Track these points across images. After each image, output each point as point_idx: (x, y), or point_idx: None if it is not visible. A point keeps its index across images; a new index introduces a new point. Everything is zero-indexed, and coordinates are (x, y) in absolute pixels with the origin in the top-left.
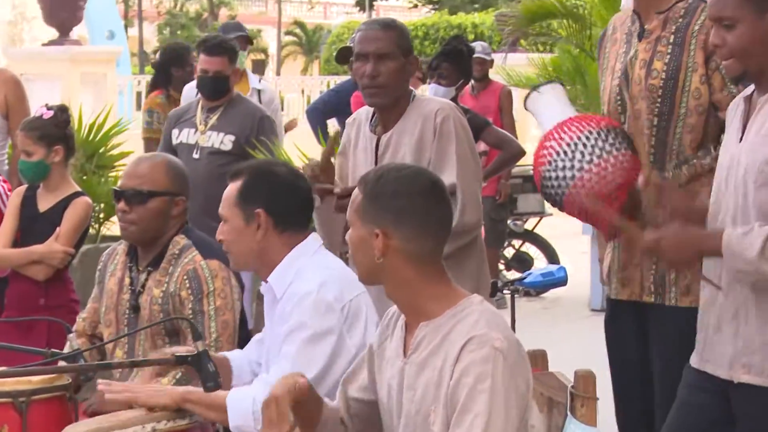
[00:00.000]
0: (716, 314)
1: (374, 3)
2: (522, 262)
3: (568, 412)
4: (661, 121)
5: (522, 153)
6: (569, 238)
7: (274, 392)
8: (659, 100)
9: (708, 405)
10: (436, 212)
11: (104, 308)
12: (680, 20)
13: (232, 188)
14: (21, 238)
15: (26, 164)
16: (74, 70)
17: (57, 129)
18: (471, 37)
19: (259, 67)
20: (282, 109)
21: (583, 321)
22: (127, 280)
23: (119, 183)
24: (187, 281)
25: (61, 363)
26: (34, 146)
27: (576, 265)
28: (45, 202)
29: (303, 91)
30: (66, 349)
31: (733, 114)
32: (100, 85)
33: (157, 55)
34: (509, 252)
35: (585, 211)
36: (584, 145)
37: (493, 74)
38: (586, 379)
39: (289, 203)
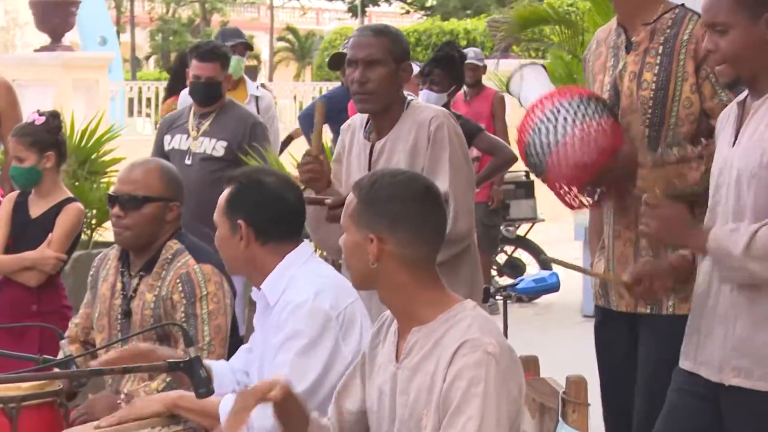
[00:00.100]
0: (706, 317)
1: (366, 9)
2: (514, 268)
3: (560, 418)
4: (652, 131)
5: (514, 159)
6: (561, 244)
7: (245, 390)
8: (650, 111)
9: (697, 410)
10: (430, 217)
11: (97, 314)
12: (668, 31)
13: (223, 196)
14: (13, 245)
15: (18, 170)
16: (66, 76)
17: (49, 135)
18: (463, 43)
19: (252, 73)
20: None
21: (575, 327)
22: (119, 286)
23: (113, 188)
24: (179, 284)
25: (54, 369)
26: (26, 152)
27: (568, 271)
28: (37, 208)
29: (295, 97)
30: (59, 356)
31: (726, 119)
32: (92, 91)
33: (173, 61)
34: (501, 258)
35: (566, 177)
36: (567, 111)
37: (485, 80)
38: (577, 384)
39: (272, 215)
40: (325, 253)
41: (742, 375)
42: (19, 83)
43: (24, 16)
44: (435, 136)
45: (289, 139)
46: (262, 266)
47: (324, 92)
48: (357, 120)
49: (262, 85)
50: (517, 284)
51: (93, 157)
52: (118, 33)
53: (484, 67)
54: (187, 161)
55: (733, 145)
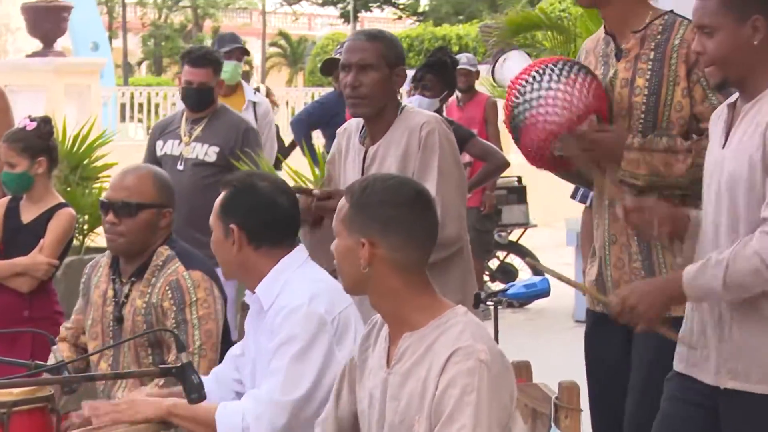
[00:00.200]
0: (700, 320)
1: (359, 15)
2: (506, 273)
3: (552, 424)
4: (645, 136)
5: (506, 164)
6: (553, 249)
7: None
8: (642, 116)
9: (690, 417)
10: (422, 222)
11: (90, 321)
12: (659, 36)
13: (218, 200)
14: (4, 250)
15: (9, 176)
16: (58, 82)
17: (40, 140)
18: (455, 48)
19: (245, 79)
20: None
21: (567, 332)
22: (110, 292)
23: (106, 195)
24: (169, 292)
25: (45, 375)
26: (17, 158)
27: None
28: (28, 214)
29: (287, 103)
30: (50, 361)
31: (717, 120)
32: (84, 97)
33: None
34: (494, 263)
35: (543, 134)
36: (551, 70)
37: (477, 85)
38: (570, 390)
39: (265, 220)
40: None
41: (739, 378)
42: (11, 89)
43: (16, 21)
44: (425, 142)
45: (293, 145)
46: (256, 270)
47: (316, 98)
48: (353, 124)
49: (259, 90)
50: (507, 290)
51: (85, 162)
52: (110, 38)
53: (477, 72)
54: (179, 167)
55: (723, 147)
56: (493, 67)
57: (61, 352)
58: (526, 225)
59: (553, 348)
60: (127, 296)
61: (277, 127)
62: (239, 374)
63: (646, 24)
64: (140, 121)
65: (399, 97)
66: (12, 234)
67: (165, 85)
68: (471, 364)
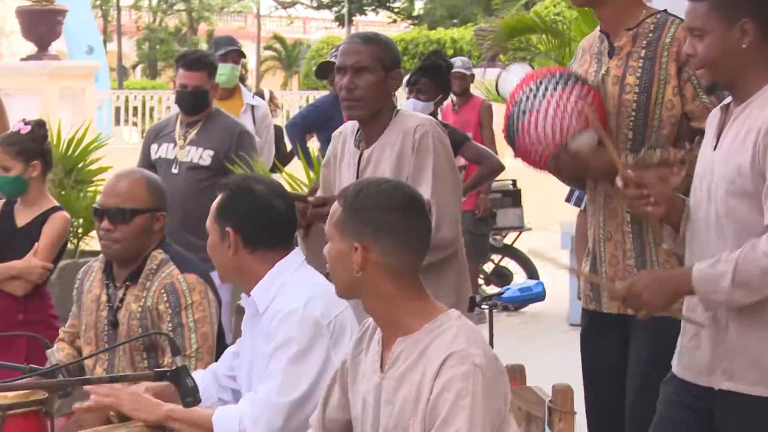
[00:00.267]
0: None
1: (353, 18)
2: (501, 276)
3: (546, 427)
4: (636, 134)
5: (501, 168)
6: (548, 252)
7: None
8: (633, 114)
9: (686, 420)
10: (415, 226)
11: (84, 326)
12: (650, 35)
13: (214, 203)
14: None
15: (4, 179)
16: (53, 85)
17: (34, 144)
18: (450, 52)
19: (240, 81)
20: None
21: (561, 335)
22: (104, 297)
23: (99, 201)
24: (164, 295)
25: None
26: (11, 161)
27: (555, 280)
28: (23, 217)
29: (282, 106)
30: (46, 364)
31: (711, 123)
32: (78, 100)
33: None
34: (488, 267)
35: (539, 137)
36: (548, 81)
37: (472, 89)
38: (563, 393)
39: (262, 223)
40: None
41: (734, 379)
42: (6, 92)
43: (10, 24)
44: (419, 144)
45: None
46: (252, 273)
47: (311, 101)
48: (348, 128)
49: (260, 94)
50: (503, 293)
51: (79, 166)
52: (104, 42)
53: (472, 75)
54: (174, 170)
55: (714, 149)
56: (497, 81)
57: (56, 355)
58: (520, 228)
59: (548, 351)
60: (121, 300)
61: (280, 130)
62: (233, 372)
63: (639, 22)
64: (135, 124)
65: (396, 100)
66: (6, 237)
67: (160, 88)
68: (465, 368)
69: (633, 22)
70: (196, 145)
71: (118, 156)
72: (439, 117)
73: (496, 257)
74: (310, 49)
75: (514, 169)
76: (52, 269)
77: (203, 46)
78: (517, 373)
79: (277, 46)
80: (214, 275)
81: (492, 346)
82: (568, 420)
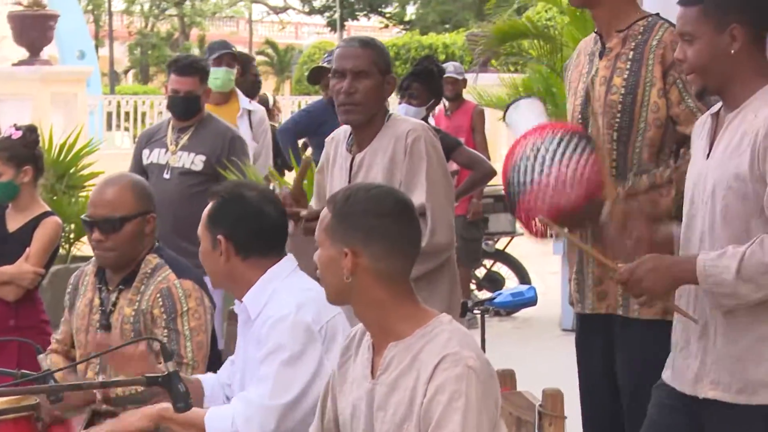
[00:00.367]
0: (685, 329)
1: (345, 24)
2: (493, 281)
3: (537, 431)
4: (621, 135)
5: (493, 173)
6: (540, 258)
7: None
8: (618, 115)
9: (677, 425)
10: (405, 231)
11: (75, 330)
12: (639, 37)
13: (206, 210)
14: None
15: None
16: (45, 90)
17: (26, 149)
18: (442, 57)
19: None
20: None
21: (553, 340)
22: (97, 301)
23: (88, 213)
24: (160, 299)
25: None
26: (3, 167)
27: (547, 285)
28: (14, 223)
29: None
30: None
31: (701, 130)
32: (70, 105)
33: None
34: (480, 272)
35: (534, 210)
36: (546, 149)
37: (464, 94)
38: (554, 397)
39: (253, 230)
40: None
41: (720, 388)
42: None
43: (2, 30)
44: (412, 149)
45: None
46: (244, 280)
47: (303, 106)
48: (341, 132)
49: (264, 99)
50: (494, 298)
51: (71, 171)
52: (96, 47)
53: (464, 80)
54: (166, 175)
55: (707, 158)
56: (505, 113)
57: (47, 360)
58: (512, 233)
59: (540, 356)
60: (114, 304)
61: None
62: (230, 380)
63: (630, 24)
64: (127, 129)
65: (388, 105)
66: None
67: (151, 93)
68: (459, 370)
69: (625, 24)
70: (188, 151)
71: (109, 161)
72: (432, 122)
73: (488, 262)
74: (302, 55)
75: None
76: (44, 274)
77: (195, 52)
78: (507, 377)
79: (269, 51)
80: (208, 280)
81: (484, 351)
82: (558, 424)
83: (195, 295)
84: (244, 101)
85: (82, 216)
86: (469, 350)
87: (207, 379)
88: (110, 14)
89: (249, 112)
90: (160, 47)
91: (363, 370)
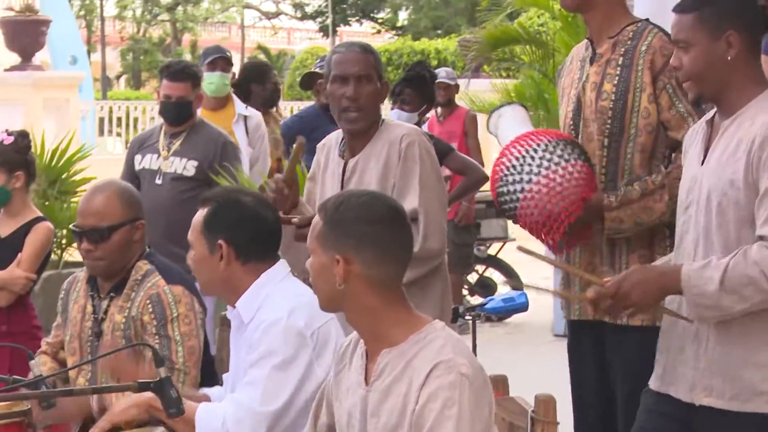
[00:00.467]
0: (678, 336)
1: (337, 29)
2: (485, 287)
3: None
4: (612, 141)
5: (485, 178)
6: (532, 263)
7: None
8: (609, 121)
9: (666, 431)
10: (396, 237)
11: (68, 336)
12: (629, 42)
13: (199, 216)
14: None
15: None
16: (37, 96)
17: (18, 155)
18: (434, 62)
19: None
20: None
21: (545, 346)
22: (89, 308)
23: (76, 223)
24: (150, 305)
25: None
26: None
27: (538, 291)
28: (6, 228)
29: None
30: (29, 376)
31: (695, 137)
32: (62, 111)
33: (238, 74)
34: (473, 277)
35: (536, 224)
36: (532, 158)
37: (457, 99)
38: (546, 403)
39: (252, 235)
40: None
41: (713, 395)
42: None
43: None
44: (406, 154)
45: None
46: (240, 285)
47: (295, 111)
48: (332, 138)
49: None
50: (486, 304)
51: (63, 176)
52: (88, 52)
53: (457, 86)
54: (158, 181)
55: (702, 164)
56: (489, 120)
57: (39, 366)
58: (504, 239)
59: (532, 362)
60: (105, 312)
61: None
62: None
63: (620, 30)
64: (119, 135)
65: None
66: None
67: (144, 99)
68: (452, 377)
69: (615, 29)
70: (180, 156)
71: (101, 167)
72: (425, 128)
73: (480, 268)
74: (294, 60)
75: None
76: (36, 280)
77: (187, 57)
78: (499, 383)
79: (262, 56)
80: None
81: (476, 357)
82: (550, 430)
83: (185, 300)
84: (240, 107)
85: (71, 225)
86: (462, 357)
87: (215, 392)
88: (102, 19)
89: (245, 117)
90: (152, 53)
91: (357, 377)
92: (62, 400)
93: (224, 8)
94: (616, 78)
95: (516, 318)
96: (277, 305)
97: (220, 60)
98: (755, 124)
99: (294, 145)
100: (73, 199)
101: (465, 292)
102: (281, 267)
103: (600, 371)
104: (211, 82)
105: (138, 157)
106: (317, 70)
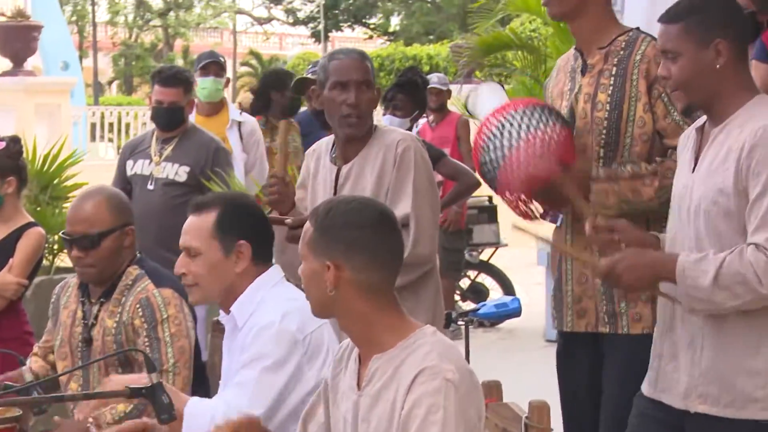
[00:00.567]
0: (672, 343)
1: (329, 34)
2: (478, 293)
3: None
4: (607, 152)
5: (477, 184)
6: (524, 269)
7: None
8: (605, 131)
9: None
10: (386, 243)
11: (59, 342)
12: (621, 52)
13: (205, 220)
14: None
15: None
16: (28, 101)
17: (9, 160)
18: (426, 68)
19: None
20: None
21: (538, 351)
22: (79, 313)
23: (66, 230)
24: (140, 309)
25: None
26: None
27: (531, 296)
28: None
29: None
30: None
31: (685, 144)
32: (54, 116)
33: (258, 81)
34: (465, 283)
35: (516, 188)
36: (511, 125)
37: (449, 105)
38: (540, 409)
39: (266, 234)
40: None
41: (708, 402)
42: None
43: None
44: (401, 158)
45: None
46: (238, 289)
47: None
48: (322, 144)
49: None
50: (478, 309)
51: (55, 182)
52: (80, 58)
53: (449, 91)
54: (150, 186)
55: (692, 172)
56: (466, 101)
57: (30, 371)
58: (497, 244)
59: (524, 367)
60: (96, 317)
61: None
62: None
63: (611, 40)
64: (111, 140)
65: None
66: None
67: (135, 104)
68: (437, 383)
69: (606, 40)
70: (172, 162)
71: (93, 172)
72: (416, 133)
73: (472, 273)
74: (286, 66)
75: None
76: (27, 285)
77: (179, 62)
78: (493, 389)
79: (253, 62)
80: None
81: (468, 363)
82: None
83: (174, 302)
84: (234, 112)
85: (61, 233)
86: (448, 363)
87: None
88: (94, 25)
89: (239, 123)
90: (144, 58)
91: (350, 382)
92: (61, 424)
93: (216, 14)
94: (611, 88)
95: (509, 323)
96: (270, 309)
97: (212, 65)
98: (744, 132)
99: (280, 126)
100: (65, 205)
101: (457, 297)
102: (275, 271)
103: (593, 381)
104: (203, 87)
105: (130, 163)
106: (309, 75)
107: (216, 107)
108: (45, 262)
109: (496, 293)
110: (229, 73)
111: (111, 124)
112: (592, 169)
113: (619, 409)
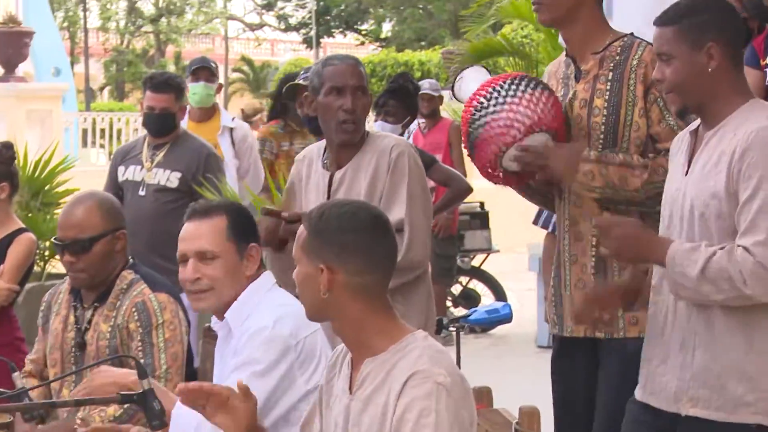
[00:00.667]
0: (663, 346)
1: (321, 41)
2: (469, 298)
3: None
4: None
5: (469, 190)
6: (516, 275)
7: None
8: (602, 136)
9: None
10: (380, 246)
11: (49, 348)
12: (617, 57)
13: (218, 224)
14: None
15: None
16: (20, 107)
17: (2, 166)
18: (418, 74)
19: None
20: None
21: (529, 358)
22: (71, 319)
23: (57, 236)
24: (135, 313)
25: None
26: None
27: (523, 302)
28: None
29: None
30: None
31: (678, 147)
32: (46, 122)
33: (276, 87)
34: (456, 289)
35: (494, 149)
36: (498, 93)
37: (440, 111)
38: (530, 415)
39: (259, 240)
40: None
41: (699, 405)
42: None
43: None
44: (395, 164)
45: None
46: (236, 294)
47: None
48: (314, 150)
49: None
50: (470, 315)
51: (46, 188)
52: (72, 64)
53: (440, 97)
54: (141, 192)
55: (685, 175)
56: (453, 87)
57: (22, 378)
58: (488, 250)
59: (515, 373)
60: (89, 322)
61: None
62: None
63: (606, 45)
64: (102, 146)
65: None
66: None
67: (127, 110)
68: (428, 387)
69: (599, 46)
70: (164, 168)
71: (85, 178)
72: (409, 140)
73: (464, 279)
74: (278, 72)
75: (482, 190)
76: (18, 291)
77: (171, 68)
78: (484, 395)
79: (245, 68)
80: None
81: (459, 369)
82: None
83: (170, 307)
84: (226, 119)
85: (53, 238)
86: (439, 367)
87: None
88: (86, 31)
89: (231, 129)
90: (135, 64)
91: (343, 386)
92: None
93: (208, 20)
94: (607, 93)
95: (500, 329)
96: (263, 314)
97: (203, 70)
98: (737, 136)
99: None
100: (56, 211)
101: (449, 303)
102: (268, 277)
103: (589, 386)
104: (194, 92)
105: (121, 169)
106: (301, 81)
107: (208, 113)
108: (36, 268)
109: (487, 299)
110: (221, 80)
111: (102, 130)
112: (584, 150)
113: (614, 413)
